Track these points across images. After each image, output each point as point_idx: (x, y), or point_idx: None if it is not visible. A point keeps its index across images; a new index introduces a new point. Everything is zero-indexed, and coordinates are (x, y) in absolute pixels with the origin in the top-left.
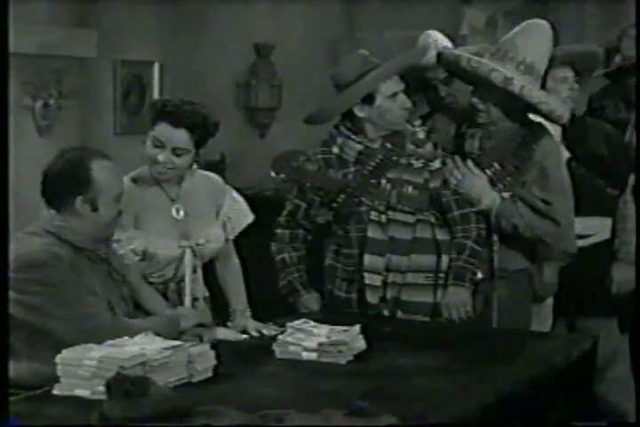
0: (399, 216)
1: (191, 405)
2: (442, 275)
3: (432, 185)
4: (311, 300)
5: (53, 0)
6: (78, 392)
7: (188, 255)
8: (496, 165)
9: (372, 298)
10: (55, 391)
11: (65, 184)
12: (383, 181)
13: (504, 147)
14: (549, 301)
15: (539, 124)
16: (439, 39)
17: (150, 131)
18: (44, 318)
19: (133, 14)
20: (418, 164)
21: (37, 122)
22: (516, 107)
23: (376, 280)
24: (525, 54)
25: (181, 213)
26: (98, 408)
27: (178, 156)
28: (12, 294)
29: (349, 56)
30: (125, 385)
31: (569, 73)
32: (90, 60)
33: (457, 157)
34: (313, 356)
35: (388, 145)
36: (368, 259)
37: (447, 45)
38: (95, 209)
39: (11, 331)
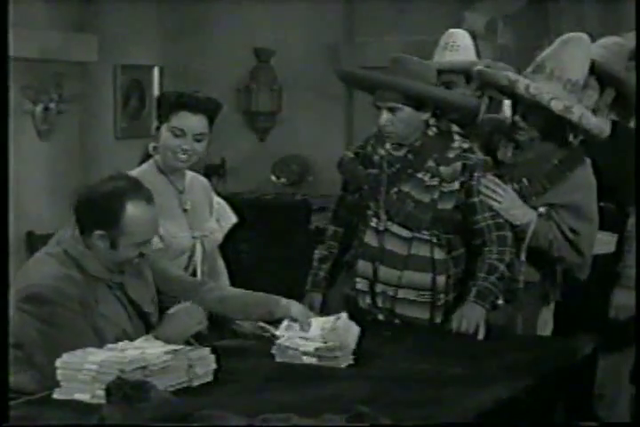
0: (395, 229)
1: (191, 409)
2: (441, 295)
3: (440, 206)
4: (309, 300)
5: (53, 5)
6: (78, 396)
7: (199, 246)
8: (525, 180)
9: (362, 303)
10: (55, 395)
11: (92, 213)
12: (393, 191)
13: (537, 164)
14: (551, 304)
15: (578, 148)
16: (459, 40)
17: (167, 122)
18: (36, 351)
19: (133, 19)
20: (432, 182)
21: (38, 126)
22: (559, 128)
23: (364, 286)
24: (571, 72)
25: (189, 203)
26: (98, 412)
27: (198, 141)
28: (15, 319)
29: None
30: (125, 389)
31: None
32: (90, 64)
33: (491, 176)
34: (313, 360)
35: (410, 156)
36: (361, 264)
37: (469, 45)
38: (114, 247)
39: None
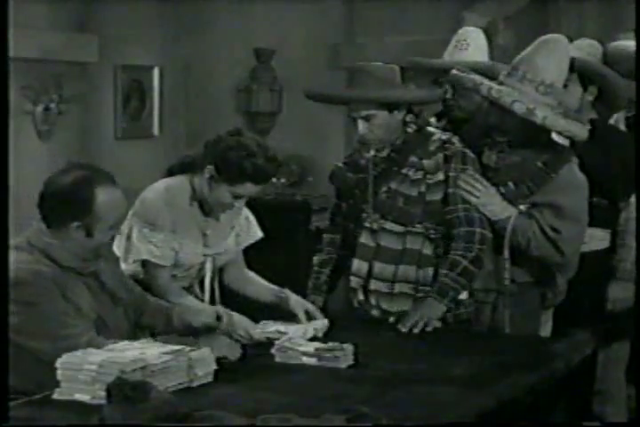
0: (389, 225)
1: (191, 409)
2: (426, 287)
3: (429, 198)
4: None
5: (54, 5)
6: (78, 397)
7: (209, 263)
8: (511, 184)
9: (355, 301)
10: (55, 396)
11: (65, 206)
12: (382, 191)
13: (522, 167)
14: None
15: (563, 148)
16: (469, 38)
17: (229, 185)
18: (23, 338)
19: (134, 19)
20: (416, 175)
21: (38, 126)
22: (539, 129)
23: (357, 284)
24: (545, 75)
25: (210, 229)
26: (98, 413)
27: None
28: None
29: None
30: (125, 390)
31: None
32: (90, 64)
33: (472, 170)
34: (313, 361)
35: (394, 155)
36: (356, 263)
37: (481, 44)
38: (90, 235)
39: None
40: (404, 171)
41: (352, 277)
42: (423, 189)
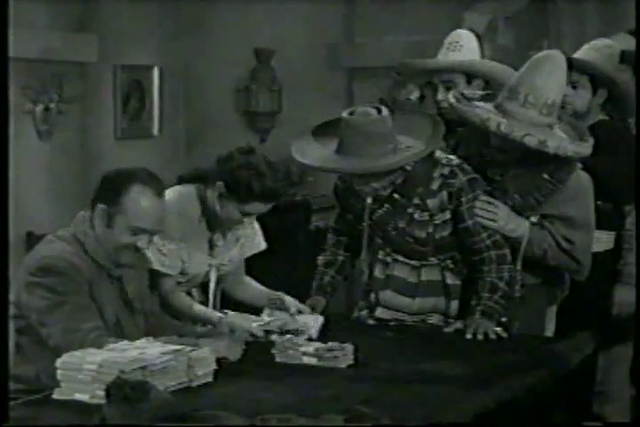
0: (402, 258)
1: (191, 409)
2: (452, 320)
3: (437, 236)
4: (312, 302)
5: (53, 5)
6: (78, 397)
7: (214, 272)
8: (517, 196)
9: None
10: (55, 396)
11: (100, 188)
12: (390, 227)
13: (528, 178)
14: (554, 304)
15: (568, 159)
16: (462, 40)
17: (238, 204)
18: (39, 321)
19: (133, 19)
20: (423, 217)
21: (38, 126)
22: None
23: (363, 306)
24: (547, 95)
25: (220, 241)
26: (98, 413)
27: None
28: (24, 297)
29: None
30: (125, 390)
31: (579, 77)
32: (90, 64)
33: (481, 194)
34: (313, 360)
35: (396, 196)
36: (372, 296)
37: (474, 46)
38: (110, 226)
39: (21, 332)
40: (409, 210)
41: (363, 309)
42: (431, 229)
